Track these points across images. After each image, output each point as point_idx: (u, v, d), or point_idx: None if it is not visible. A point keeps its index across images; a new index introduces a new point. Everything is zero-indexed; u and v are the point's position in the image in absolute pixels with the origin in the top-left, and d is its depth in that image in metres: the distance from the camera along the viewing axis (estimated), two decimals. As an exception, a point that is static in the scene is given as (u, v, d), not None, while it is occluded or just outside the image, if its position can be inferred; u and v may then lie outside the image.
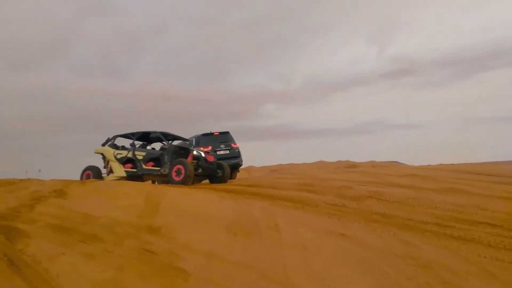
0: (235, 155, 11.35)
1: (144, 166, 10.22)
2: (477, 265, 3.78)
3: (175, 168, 9.37)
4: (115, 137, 11.13)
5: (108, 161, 10.63)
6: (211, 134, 11.37)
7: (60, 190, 7.33)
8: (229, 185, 9.70)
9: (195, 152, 10.05)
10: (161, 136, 10.49)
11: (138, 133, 10.78)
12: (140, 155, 10.35)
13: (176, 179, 9.27)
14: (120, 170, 10.38)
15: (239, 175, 12.76)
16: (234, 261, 4.20)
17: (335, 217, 5.69)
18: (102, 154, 10.86)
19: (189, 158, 9.91)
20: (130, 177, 10.33)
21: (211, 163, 10.07)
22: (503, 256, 4.00)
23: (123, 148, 10.89)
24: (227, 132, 11.64)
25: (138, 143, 11.33)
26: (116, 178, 10.40)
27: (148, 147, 11.44)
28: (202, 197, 7.10)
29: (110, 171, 10.57)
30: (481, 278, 3.50)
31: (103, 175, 10.70)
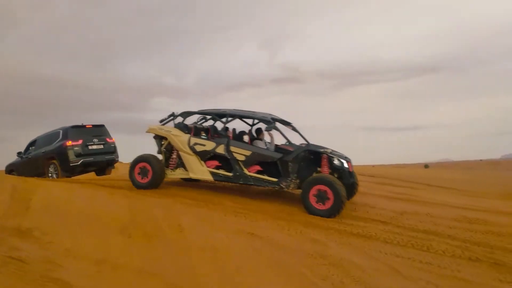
0: (110, 150, 9.93)
1: (246, 171, 6.60)
2: (382, 262, 3.92)
3: (314, 189, 5.90)
4: (187, 113, 7.47)
5: (172, 150, 7.23)
6: (83, 126, 9.67)
7: None
8: (117, 180, 8.66)
9: (336, 161, 6.35)
10: (273, 122, 6.73)
11: (227, 113, 7.26)
12: (240, 153, 6.65)
13: (318, 206, 5.86)
14: (200, 169, 6.86)
15: (125, 170, 11.59)
16: (132, 269, 3.57)
17: (241, 216, 5.43)
18: (160, 136, 7.32)
19: (325, 169, 6.36)
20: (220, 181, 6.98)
21: (353, 176, 6.62)
22: (401, 252, 4.26)
23: (205, 136, 7.23)
24: (102, 126, 10.13)
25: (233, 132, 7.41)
26: (191, 177, 7.08)
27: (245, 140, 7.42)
28: (87, 194, 6.09)
29: (177, 166, 7.16)
30: (388, 275, 3.63)
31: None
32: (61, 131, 9.50)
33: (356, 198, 7.08)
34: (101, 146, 9.73)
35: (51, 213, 5.09)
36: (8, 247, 3.95)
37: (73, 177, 9.49)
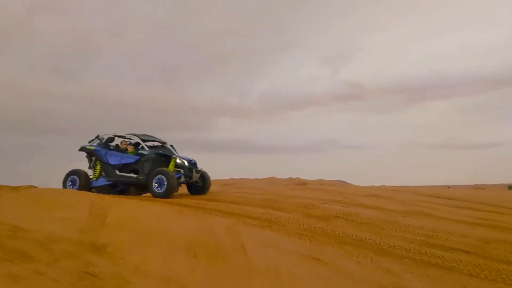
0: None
1: (117, 172, 9.28)
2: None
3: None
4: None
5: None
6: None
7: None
8: (186, 198, 8.94)
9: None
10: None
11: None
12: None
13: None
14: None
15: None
16: (197, 290, 3.54)
17: (306, 238, 5.21)
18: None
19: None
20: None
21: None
22: (484, 287, 3.73)
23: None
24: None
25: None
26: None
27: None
28: (157, 211, 6.32)
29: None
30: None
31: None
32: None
33: (432, 223, 6.47)
34: None
35: (124, 230, 5.33)
36: (84, 262, 4.18)
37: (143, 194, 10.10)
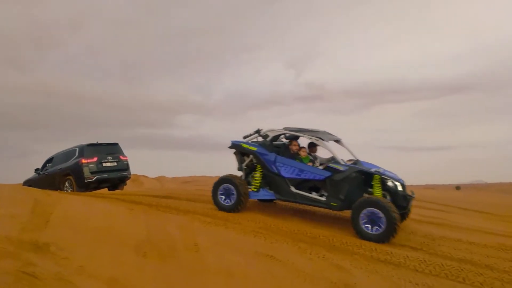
0: (124, 167, 10.26)
1: (293, 189, 6.51)
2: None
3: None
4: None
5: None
6: (98, 144, 10.10)
7: None
8: (139, 195, 8.64)
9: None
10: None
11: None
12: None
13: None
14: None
15: (150, 185, 11.70)
16: (144, 291, 3.39)
17: (261, 236, 5.19)
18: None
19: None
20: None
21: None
22: (433, 283, 3.89)
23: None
24: (116, 144, 10.54)
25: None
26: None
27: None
28: (106, 209, 6.02)
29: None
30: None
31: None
32: (77, 149, 9.85)
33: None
34: (115, 164, 10.05)
35: (69, 228, 5.03)
36: (23, 262, 3.88)
37: (94, 191, 9.63)
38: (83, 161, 9.40)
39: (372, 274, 4.07)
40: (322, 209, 7.06)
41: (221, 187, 6.78)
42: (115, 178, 10.04)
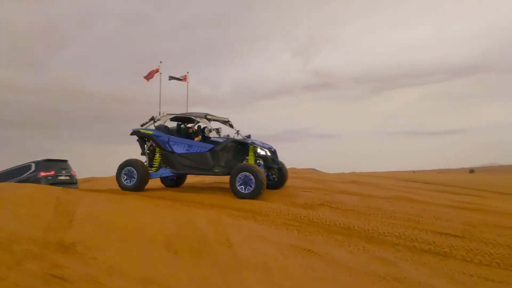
0: (74, 181, 11.28)
1: (184, 163, 7.74)
2: (468, 286, 3.30)
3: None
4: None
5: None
6: (52, 160, 11.01)
7: None
8: (161, 191, 8.47)
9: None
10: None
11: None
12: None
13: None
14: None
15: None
16: (181, 291, 3.18)
17: (293, 228, 4.95)
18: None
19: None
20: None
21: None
22: (488, 274, 3.60)
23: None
24: (66, 160, 11.52)
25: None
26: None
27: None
28: (131, 205, 5.84)
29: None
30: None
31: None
32: (33, 164, 10.55)
33: (416, 207, 6.39)
34: (68, 177, 11.03)
35: (95, 226, 4.86)
36: (50, 264, 3.71)
37: (115, 188, 9.54)
38: (42, 173, 10.15)
39: (420, 266, 3.79)
40: (351, 200, 6.80)
41: (123, 171, 7.81)
42: None
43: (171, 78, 8.98)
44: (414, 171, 47.23)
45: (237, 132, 8.00)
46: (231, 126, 8.26)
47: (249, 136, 7.93)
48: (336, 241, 4.54)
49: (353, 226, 5.21)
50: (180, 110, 8.51)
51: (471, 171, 48.06)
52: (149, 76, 8.92)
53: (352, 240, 4.57)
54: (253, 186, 6.66)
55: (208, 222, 4.99)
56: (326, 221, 5.42)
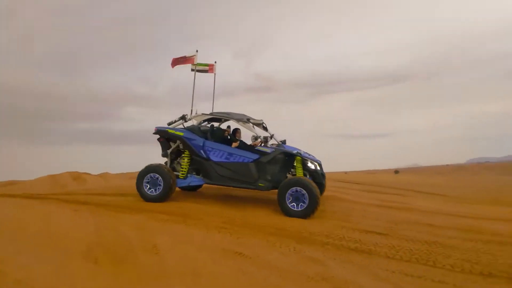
0: None
1: (221, 173, 6.65)
2: (393, 284, 3.44)
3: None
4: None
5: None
6: None
7: None
8: (83, 194, 7.85)
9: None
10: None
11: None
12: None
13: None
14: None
15: (93, 182, 10.84)
16: (98, 305, 2.89)
17: (226, 232, 4.82)
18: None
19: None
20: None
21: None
22: (408, 270, 3.80)
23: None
24: None
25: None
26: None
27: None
28: (47, 212, 5.28)
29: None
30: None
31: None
32: None
33: (346, 207, 6.63)
34: None
35: (3, 237, 4.30)
36: None
37: (33, 193, 8.63)
38: None
39: (348, 265, 3.89)
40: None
41: (145, 178, 6.59)
42: None
43: (193, 69, 7.66)
44: (346, 172, 49.85)
45: (272, 136, 6.92)
46: (265, 128, 7.29)
47: (284, 142, 7.07)
48: (268, 242, 4.51)
49: (287, 227, 5.24)
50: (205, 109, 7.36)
51: (396, 171, 51.92)
52: (177, 63, 7.55)
53: (285, 241, 4.57)
54: (306, 203, 5.90)
55: (134, 227, 4.67)
56: (261, 223, 5.39)
